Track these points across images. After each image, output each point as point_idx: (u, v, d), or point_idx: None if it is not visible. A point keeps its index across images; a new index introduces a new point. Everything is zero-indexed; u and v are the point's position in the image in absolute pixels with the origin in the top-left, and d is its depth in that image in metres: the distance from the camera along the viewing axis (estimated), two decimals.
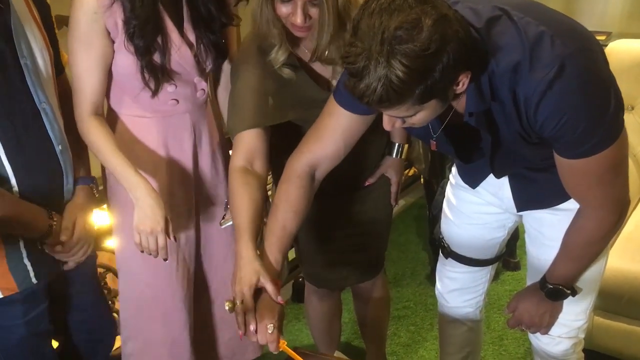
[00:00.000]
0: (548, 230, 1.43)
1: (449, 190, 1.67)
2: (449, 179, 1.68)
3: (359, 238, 1.77)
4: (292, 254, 1.87)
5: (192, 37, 1.44)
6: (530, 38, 1.05)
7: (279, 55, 1.40)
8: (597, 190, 1.19)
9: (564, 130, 1.08)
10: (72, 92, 1.43)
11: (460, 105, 1.16)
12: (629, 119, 2.30)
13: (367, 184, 1.74)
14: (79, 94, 1.41)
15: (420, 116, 1.08)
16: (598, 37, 4.23)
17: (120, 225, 1.59)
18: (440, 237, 1.72)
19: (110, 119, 1.52)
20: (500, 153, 1.25)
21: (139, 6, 1.33)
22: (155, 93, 1.44)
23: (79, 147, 1.49)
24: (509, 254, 2.74)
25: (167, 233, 1.42)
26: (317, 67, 1.49)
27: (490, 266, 1.69)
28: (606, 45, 2.97)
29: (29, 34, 1.31)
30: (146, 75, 1.40)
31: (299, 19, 1.31)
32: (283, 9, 1.33)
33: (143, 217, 1.40)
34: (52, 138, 1.37)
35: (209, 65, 1.49)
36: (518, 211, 1.48)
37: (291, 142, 1.39)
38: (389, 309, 2.09)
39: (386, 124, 1.12)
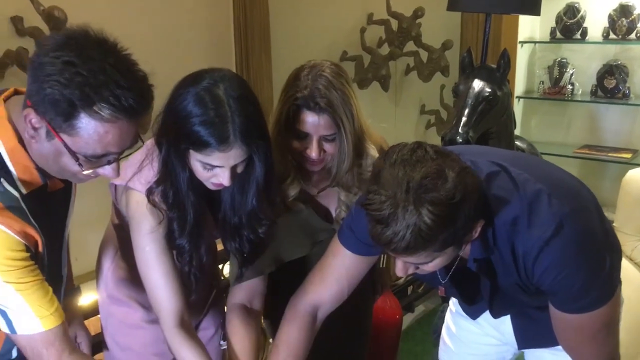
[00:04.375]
0: None
1: (448, 317, 1.66)
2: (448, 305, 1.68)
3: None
4: None
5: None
6: (529, 195, 1.09)
7: (290, 190, 1.42)
8: (588, 347, 1.20)
9: (560, 286, 1.10)
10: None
11: (464, 251, 1.19)
12: None
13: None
14: (159, 307, 1.30)
15: (436, 263, 1.10)
16: (624, 155, 4.22)
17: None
18: None
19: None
20: (499, 297, 1.27)
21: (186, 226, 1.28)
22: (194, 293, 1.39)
23: None
24: None
25: None
26: (322, 199, 1.50)
27: None
28: (633, 165, 2.97)
29: None
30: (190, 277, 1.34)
31: (313, 154, 1.33)
32: (298, 144, 1.35)
33: None
34: None
35: None
36: (519, 349, 1.47)
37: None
38: None
39: (400, 271, 1.13)
